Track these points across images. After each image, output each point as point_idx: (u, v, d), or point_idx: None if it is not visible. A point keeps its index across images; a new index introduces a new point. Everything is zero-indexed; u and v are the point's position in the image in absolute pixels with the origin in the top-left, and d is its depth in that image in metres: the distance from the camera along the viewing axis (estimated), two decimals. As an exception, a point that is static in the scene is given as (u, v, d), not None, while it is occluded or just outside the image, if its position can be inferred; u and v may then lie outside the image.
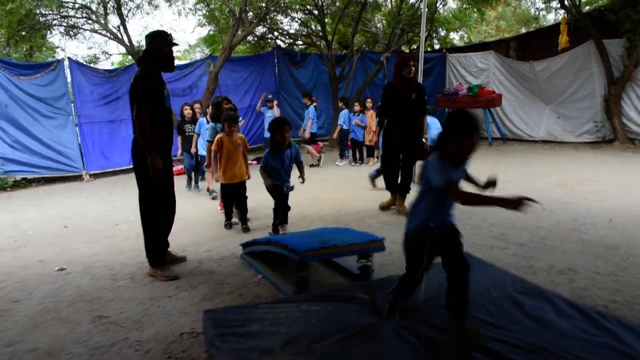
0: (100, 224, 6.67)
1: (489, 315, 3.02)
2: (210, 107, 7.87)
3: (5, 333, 3.44)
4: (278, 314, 3.03)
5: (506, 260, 4.44)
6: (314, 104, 11.32)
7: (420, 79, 8.33)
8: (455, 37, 19.87)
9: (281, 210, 5.40)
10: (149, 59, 4.36)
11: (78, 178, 10.86)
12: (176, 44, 4.54)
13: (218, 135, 5.85)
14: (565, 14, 12.19)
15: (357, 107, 11.01)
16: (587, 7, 12.64)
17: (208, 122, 7.48)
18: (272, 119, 5.36)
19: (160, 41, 4.36)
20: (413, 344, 2.72)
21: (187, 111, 8.83)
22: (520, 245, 4.86)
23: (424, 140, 6.55)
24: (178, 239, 5.38)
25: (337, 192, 7.82)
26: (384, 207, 6.50)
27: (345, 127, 11.07)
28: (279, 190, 5.28)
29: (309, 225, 5.86)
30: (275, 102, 11.37)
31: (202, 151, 8.01)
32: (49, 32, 12.37)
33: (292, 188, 5.49)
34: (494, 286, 3.43)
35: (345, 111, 11.13)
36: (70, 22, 11.93)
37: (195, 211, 7.05)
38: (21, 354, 3.13)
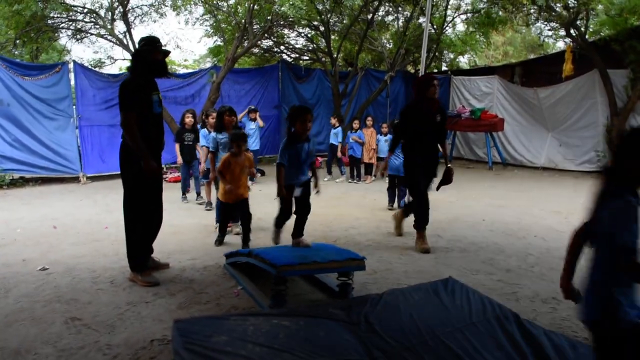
0: (90, 226, 6.65)
1: (462, 343, 2.97)
2: (205, 116, 7.86)
3: (-24, 330, 3.41)
4: (247, 327, 2.99)
5: (490, 285, 4.39)
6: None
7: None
8: (463, 60, 19.98)
9: (299, 216, 4.59)
10: (137, 65, 4.36)
11: (75, 180, 10.86)
12: (167, 52, 4.54)
13: (225, 156, 5.59)
14: (571, 42, 12.21)
15: (355, 125, 10.99)
16: (593, 37, 12.66)
17: (209, 133, 7.33)
18: (293, 106, 4.78)
19: (149, 47, 4.37)
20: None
21: (189, 119, 8.49)
22: (507, 271, 4.81)
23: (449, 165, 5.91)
24: (164, 246, 5.35)
25: (330, 208, 7.77)
26: (426, 249, 5.55)
27: (335, 144, 10.98)
28: (291, 192, 4.50)
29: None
30: (257, 113, 10.94)
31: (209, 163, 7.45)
32: (55, 34, 12.45)
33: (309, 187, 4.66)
34: (471, 312, 3.37)
35: (339, 129, 11.00)
36: (78, 26, 12.02)
37: (186, 219, 7.03)
38: (-12, 352, 3.10)
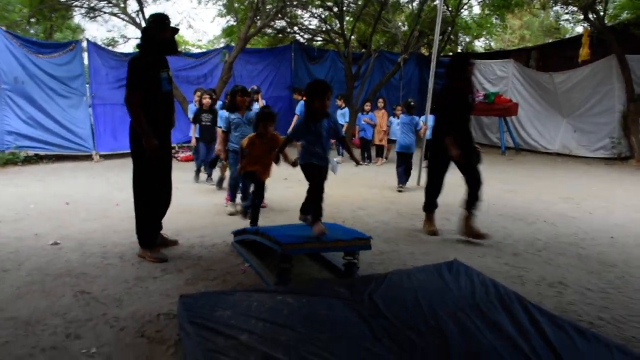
0: (101, 203, 6.73)
1: (465, 323, 2.98)
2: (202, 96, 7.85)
3: (-11, 301, 3.49)
4: (251, 303, 3.02)
5: (496, 268, 4.39)
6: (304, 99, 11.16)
7: (431, 83, 8.31)
8: (478, 44, 19.75)
9: (312, 197, 4.18)
10: (145, 42, 4.37)
11: (88, 158, 10.99)
12: (176, 29, 4.52)
13: (250, 136, 5.23)
14: (589, 26, 12.00)
15: (367, 107, 10.94)
16: (612, 22, 12.43)
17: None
18: (310, 82, 4.25)
19: (158, 25, 4.36)
20: (386, 347, 2.69)
21: (206, 100, 8.30)
22: (513, 255, 4.80)
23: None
24: (173, 223, 5.40)
25: (339, 189, 7.78)
26: (433, 232, 5.55)
27: (342, 124, 10.88)
28: (314, 170, 4.13)
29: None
30: (260, 94, 10.35)
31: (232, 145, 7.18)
32: (69, 12, 12.49)
33: (336, 166, 4.53)
34: (475, 293, 3.38)
35: (345, 109, 10.94)
36: (91, 4, 12.04)
37: (195, 198, 7.09)
38: (0, 321, 3.17)
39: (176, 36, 4.61)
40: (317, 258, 4.47)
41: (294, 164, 4.46)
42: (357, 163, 4.60)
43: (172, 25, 4.49)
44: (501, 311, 3.11)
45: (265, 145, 5.05)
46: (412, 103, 8.47)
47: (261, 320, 2.80)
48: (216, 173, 8.20)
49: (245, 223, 5.31)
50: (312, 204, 4.09)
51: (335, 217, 6.00)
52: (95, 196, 7.17)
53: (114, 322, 3.19)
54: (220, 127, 7.31)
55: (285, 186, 7.90)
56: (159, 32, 4.33)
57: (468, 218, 5.28)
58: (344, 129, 10.79)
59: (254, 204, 5.32)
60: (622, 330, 3.27)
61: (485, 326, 2.93)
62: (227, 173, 7.55)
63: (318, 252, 4.23)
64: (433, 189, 5.61)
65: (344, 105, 11.03)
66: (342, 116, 10.84)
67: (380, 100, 11.28)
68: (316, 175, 4.10)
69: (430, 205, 5.65)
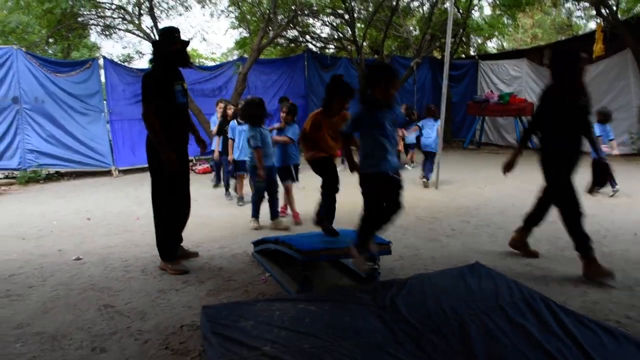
0: (121, 218, 6.81)
1: (489, 325, 2.96)
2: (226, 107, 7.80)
3: (16, 316, 3.55)
4: (274, 312, 3.03)
5: (519, 270, 4.35)
6: None
7: (445, 86, 8.28)
8: (491, 45, 19.68)
9: (387, 211, 3.44)
10: (157, 56, 4.43)
11: (107, 173, 11.14)
12: (186, 41, 4.58)
13: (315, 112, 4.41)
14: (601, 21, 11.88)
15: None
16: (625, 16, 12.29)
17: (239, 124, 7.28)
18: (372, 65, 3.61)
19: (167, 38, 4.42)
20: (410, 351, 2.68)
21: (230, 111, 8.02)
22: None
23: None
24: (193, 235, 5.45)
25: (358, 196, 7.76)
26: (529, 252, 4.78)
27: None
28: (384, 179, 3.31)
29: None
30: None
31: (243, 156, 7.17)
32: (85, 31, 12.73)
33: (400, 169, 3.60)
34: (499, 295, 3.35)
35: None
36: (106, 22, 12.26)
37: (214, 209, 7.15)
38: (27, 337, 3.22)
39: (190, 49, 4.68)
40: (336, 265, 4.47)
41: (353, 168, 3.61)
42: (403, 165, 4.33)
43: (182, 37, 4.55)
44: (526, 313, 3.08)
45: (334, 125, 4.26)
46: (432, 107, 9.13)
47: (284, 329, 2.81)
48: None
49: (264, 233, 5.33)
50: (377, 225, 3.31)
51: (354, 223, 5.99)
52: (116, 211, 7.26)
53: (138, 334, 3.22)
54: (232, 139, 7.41)
55: (314, 198, 7.90)
56: (168, 44, 4.39)
57: (524, 233, 4.82)
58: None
59: (330, 200, 4.51)
60: (650, 328, 3.22)
61: (510, 328, 2.90)
62: (245, 188, 7.58)
63: (338, 258, 4.23)
64: (568, 214, 4.54)
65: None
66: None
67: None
68: (392, 188, 3.23)
69: (586, 243, 4.29)
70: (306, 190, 8.10)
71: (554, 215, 6.24)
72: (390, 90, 3.33)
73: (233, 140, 7.43)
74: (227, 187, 8.14)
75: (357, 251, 3.18)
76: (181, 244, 4.84)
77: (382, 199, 3.22)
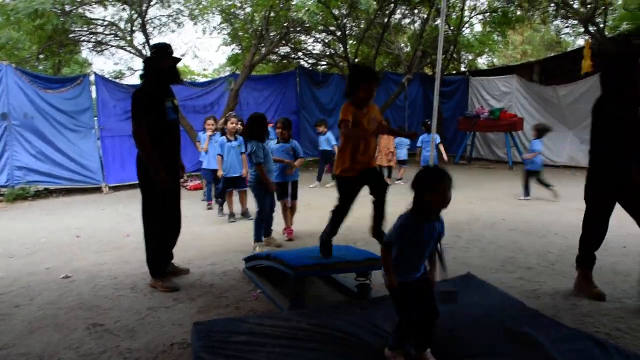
0: (111, 235, 6.76)
1: (479, 338, 2.94)
2: (227, 122, 7.73)
3: (1, 337, 3.49)
4: (266, 328, 3.01)
5: (510, 283, 4.34)
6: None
7: (436, 102, 8.32)
8: (481, 62, 19.89)
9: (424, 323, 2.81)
10: (148, 72, 4.42)
11: (97, 190, 11.07)
12: (177, 58, 4.58)
13: (347, 106, 3.89)
14: (589, 38, 12.05)
15: None
16: (612, 33, 12.49)
17: (229, 141, 7.35)
18: (425, 171, 2.82)
19: (160, 55, 4.42)
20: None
21: (239, 125, 7.74)
22: (527, 269, 4.76)
23: None
24: (184, 252, 5.41)
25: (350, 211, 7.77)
26: (599, 295, 3.98)
27: (329, 149, 10.68)
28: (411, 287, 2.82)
29: (316, 242, 5.78)
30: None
31: (232, 173, 7.30)
32: (77, 47, 12.73)
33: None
34: (491, 309, 3.34)
35: (329, 134, 10.63)
36: (98, 39, 12.27)
37: (206, 226, 7.10)
38: (13, 358, 3.16)
39: (182, 66, 4.68)
40: (328, 281, 4.44)
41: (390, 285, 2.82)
42: None
43: (174, 54, 4.55)
44: (517, 325, 3.07)
45: (368, 118, 3.89)
46: (428, 122, 9.43)
47: (277, 345, 2.79)
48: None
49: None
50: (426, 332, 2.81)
51: (346, 239, 5.97)
52: (106, 228, 7.20)
53: (127, 353, 3.18)
54: (220, 155, 7.41)
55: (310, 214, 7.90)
56: (160, 61, 4.39)
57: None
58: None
59: (377, 214, 4.02)
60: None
61: (502, 341, 2.89)
62: (235, 205, 7.57)
63: (330, 274, 4.21)
64: (593, 235, 4.21)
65: (325, 130, 10.68)
66: (326, 142, 10.65)
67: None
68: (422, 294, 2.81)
69: (587, 257, 4.21)
70: (308, 206, 8.10)
71: (544, 229, 6.30)
72: (446, 194, 2.73)
73: (222, 156, 7.46)
74: (220, 203, 8.04)
75: (391, 353, 2.81)
76: (172, 261, 4.80)
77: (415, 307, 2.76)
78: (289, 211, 6.30)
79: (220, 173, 7.49)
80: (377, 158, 10.82)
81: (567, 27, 14.87)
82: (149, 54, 11.50)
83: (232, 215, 7.43)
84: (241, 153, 7.40)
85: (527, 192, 8.50)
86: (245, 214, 7.52)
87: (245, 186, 7.18)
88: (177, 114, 4.56)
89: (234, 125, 7.49)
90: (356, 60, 14.72)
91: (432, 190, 2.72)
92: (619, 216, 6.81)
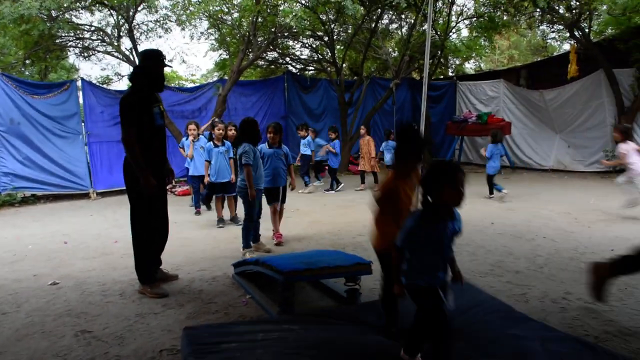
0: (99, 241, 6.70)
1: (469, 340, 2.95)
2: (214, 128, 7.69)
3: (-11, 345, 3.45)
4: (257, 334, 3.00)
5: (499, 287, 4.37)
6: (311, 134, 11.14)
7: (424, 106, 8.36)
8: (469, 66, 20.01)
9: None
10: (139, 78, 4.40)
11: (85, 196, 10.98)
12: (169, 65, 4.59)
13: (390, 179, 3.21)
14: (575, 43, 12.20)
15: (332, 135, 10.95)
16: (597, 38, 12.64)
17: (217, 146, 7.38)
18: (435, 163, 2.59)
19: (153, 61, 4.42)
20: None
21: (231, 132, 7.98)
22: (516, 273, 4.78)
23: None
24: (173, 258, 5.39)
25: (339, 217, 7.79)
26: None
27: (308, 153, 10.91)
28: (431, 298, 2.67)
29: (305, 247, 5.83)
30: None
31: (221, 178, 7.37)
32: (64, 52, 12.65)
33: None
34: (478, 312, 3.36)
35: (308, 138, 10.87)
36: (85, 44, 12.20)
37: (194, 231, 7.07)
38: (0, 366, 3.13)
39: (170, 71, 4.68)
40: (318, 286, 4.44)
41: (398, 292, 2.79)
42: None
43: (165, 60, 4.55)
44: (505, 329, 3.09)
45: (411, 186, 3.21)
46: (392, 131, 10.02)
47: (268, 351, 2.78)
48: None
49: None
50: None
51: (335, 244, 5.98)
52: (94, 234, 7.15)
53: (116, 360, 3.16)
54: (208, 161, 7.42)
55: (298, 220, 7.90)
56: (156, 67, 4.40)
57: None
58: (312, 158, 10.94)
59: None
60: (628, 342, 3.24)
61: (491, 344, 2.91)
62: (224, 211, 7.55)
63: (319, 279, 4.20)
64: None
65: (306, 134, 10.90)
66: (306, 146, 10.84)
67: (362, 128, 11.27)
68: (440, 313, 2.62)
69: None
70: (297, 211, 8.09)
71: (532, 233, 6.35)
72: (458, 194, 2.59)
73: (209, 162, 7.44)
74: (208, 208, 8.23)
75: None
76: (160, 267, 4.78)
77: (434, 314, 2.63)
78: (277, 215, 6.30)
79: (207, 179, 7.47)
80: (360, 164, 10.90)
81: (553, 32, 15.02)
82: (136, 59, 11.49)
83: (221, 220, 7.42)
84: (230, 158, 7.43)
85: (495, 190, 9.20)
86: (234, 220, 7.49)
87: (234, 191, 7.17)
88: (163, 120, 4.55)
89: (221, 131, 7.53)
90: (344, 65, 14.75)
91: (444, 188, 2.57)
92: (604, 219, 6.91)
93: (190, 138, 8.39)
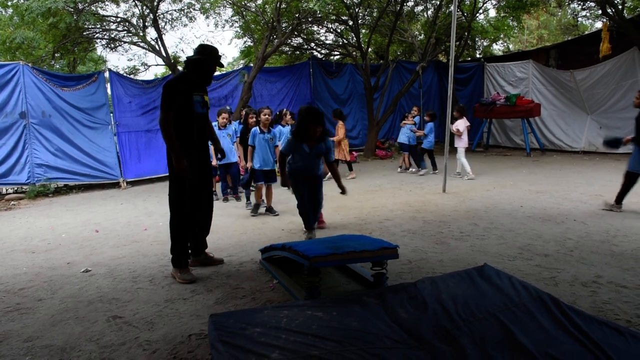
0: (129, 229, 6.83)
1: (498, 327, 2.93)
2: (260, 114, 7.40)
3: (25, 329, 3.55)
4: (281, 319, 3.02)
5: (528, 271, 4.31)
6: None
7: (451, 89, 8.27)
8: (497, 47, 19.63)
9: None
10: (191, 68, 4.51)
11: (115, 185, 11.19)
12: (221, 64, 4.70)
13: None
14: (607, 20, 11.83)
15: (426, 118, 10.88)
16: (631, 14, 12.23)
17: (262, 132, 7.06)
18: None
19: (209, 57, 4.53)
20: (419, 356, 2.65)
21: (253, 119, 7.91)
22: (545, 257, 4.71)
23: None
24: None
25: (365, 202, 7.78)
26: None
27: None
28: None
29: (332, 232, 5.84)
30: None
31: (265, 166, 7.12)
32: (91, 44, 12.84)
33: None
34: (508, 296, 3.31)
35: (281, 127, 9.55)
36: (111, 35, 12.35)
37: (221, 218, 7.13)
38: (36, 350, 3.22)
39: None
40: (345, 270, 4.45)
41: None
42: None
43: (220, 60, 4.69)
44: (535, 314, 3.04)
45: None
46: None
47: (292, 335, 2.79)
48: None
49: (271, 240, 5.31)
50: None
51: (362, 229, 5.98)
52: (124, 222, 7.29)
53: (146, 345, 3.22)
54: (252, 145, 7.15)
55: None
56: (209, 63, 4.53)
57: None
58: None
59: None
60: (662, 327, 3.17)
61: (521, 330, 2.87)
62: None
63: (345, 263, 4.21)
64: None
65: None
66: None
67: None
68: None
69: None
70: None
71: (562, 216, 6.23)
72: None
73: (253, 147, 7.13)
74: (247, 195, 7.97)
75: None
76: (206, 251, 4.92)
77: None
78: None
79: (249, 165, 7.17)
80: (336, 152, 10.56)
81: (584, 9, 14.60)
82: (162, 49, 11.60)
83: (256, 207, 7.27)
84: (275, 146, 7.30)
85: (422, 165, 10.57)
86: (270, 210, 7.27)
87: (275, 180, 7.10)
88: (205, 109, 4.62)
89: (267, 117, 7.17)
90: (369, 49, 14.63)
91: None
92: (638, 202, 6.73)
93: (219, 124, 8.31)
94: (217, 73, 15.74)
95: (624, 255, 4.62)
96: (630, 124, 11.52)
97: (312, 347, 2.69)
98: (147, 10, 11.75)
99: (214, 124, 8.60)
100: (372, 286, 3.94)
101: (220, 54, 4.71)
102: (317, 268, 3.66)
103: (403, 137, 10.76)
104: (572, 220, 6.00)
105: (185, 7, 12.70)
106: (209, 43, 4.98)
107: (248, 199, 7.92)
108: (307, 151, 5.47)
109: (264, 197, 7.37)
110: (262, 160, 7.09)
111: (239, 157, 8.40)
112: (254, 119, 7.86)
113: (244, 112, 8.51)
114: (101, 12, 11.68)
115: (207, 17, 12.49)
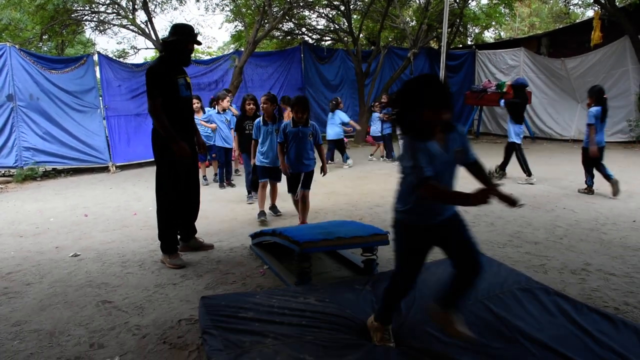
0: (119, 213, 6.79)
1: (488, 312, 2.94)
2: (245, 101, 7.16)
3: (14, 314, 3.53)
4: (273, 304, 3.02)
5: (517, 258, 4.34)
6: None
7: (442, 75, 8.26)
8: (488, 35, 19.61)
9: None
10: (168, 50, 4.42)
11: (105, 169, 11.11)
12: (199, 42, 4.59)
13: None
14: (599, 9, 11.84)
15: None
16: (623, 3, 12.24)
17: (266, 124, 6.00)
18: None
19: (186, 37, 4.42)
20: (408, 342, 2.67)
21: (250, 106, 7.10)
22: (534, 244, 4.74)
23: None
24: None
25: (355, 188, 7.78)
26: None
27: None
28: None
29: (322, 218, 5.85)
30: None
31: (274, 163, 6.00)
32: (79, 27, 12.66)
33: None
34: (497, 283, 3.34)
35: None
36: (100, 18, 12.18)
37: (211, 203, 7.10)
38: (25, 334, 3.20)
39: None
40: (335, 256, 4.45)
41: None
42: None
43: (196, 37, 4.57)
44: (525, 301, 3.07)
45: None
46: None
47: (285, 321, 2.80)
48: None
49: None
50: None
51: (352, 215, 5.99)
52: (113, 207, 7.24)
53: (136, 330, 3.21)
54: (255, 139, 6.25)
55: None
56: (186, 42, 4.41)
57: None
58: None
59: None
60: (649, 314, 3.21)
61: (510, 316, 2.89)
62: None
63: (336, 249, 4.21)
64: None
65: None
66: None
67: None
68: None
69: None
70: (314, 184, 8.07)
71: (552, 204, 6.27)
72: None
73: (257, 141, 6.11)
74: (253, 188, 7.02)
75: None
76: (195, 236, 4.90)
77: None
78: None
79: (253, 161, 6.29)
80: None
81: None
82: (151, 32, 11.47)
83: (262, 214, 6.05)
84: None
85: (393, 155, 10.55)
86: (273, 210, 6.39)
87: (280, 179, 6.21)
88: (189, 92, 4.56)
89: (267, 105, 5.98)
90: (361, 35, 14.56)
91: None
92: (627, 190, 6.79)
93: (219, 108, 8.18)
94: (207, 57, 15.62)
95: (613, 244, 4.66)
96: (619, 112, 11.64)
97: (306, 333, 2.70)
98: (137, -7, 11.61)
99: (211, 109, 8.61)
100: (362, 272, 3.95)
101: (196, 31, 4.59)
102: (308, 254, 3.66)
103: (374, 127, 10.78)
104: (561, 208, 6.04)
105: (176, -10, 12.56)
106: (183, 22, 4.80)
107: (249, 192, 7.21)
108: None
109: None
110: (267, 155, 6.00)
111: (235, 147, 8.19)
112: (251, 106, 7.16)
113: (228, 97, 8.39)
114: (90, -7, 11.50)
115: (197, 1, 12.40)
